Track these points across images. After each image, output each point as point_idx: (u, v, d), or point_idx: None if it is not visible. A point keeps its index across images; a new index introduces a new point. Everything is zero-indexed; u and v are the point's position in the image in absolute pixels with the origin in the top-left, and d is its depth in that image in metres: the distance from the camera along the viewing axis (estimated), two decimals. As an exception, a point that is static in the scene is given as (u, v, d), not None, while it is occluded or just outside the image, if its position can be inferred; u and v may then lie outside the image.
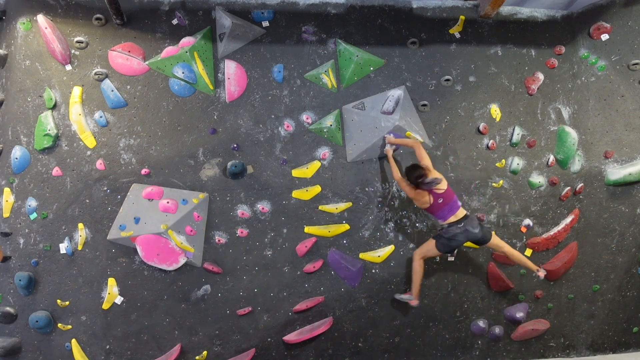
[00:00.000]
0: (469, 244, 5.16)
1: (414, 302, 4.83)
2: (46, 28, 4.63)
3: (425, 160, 4.56)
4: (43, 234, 4.70)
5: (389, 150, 4.89)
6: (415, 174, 4.45)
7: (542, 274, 4.62)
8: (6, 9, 4.76)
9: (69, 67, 4.75)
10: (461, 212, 4.50)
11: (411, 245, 5.14)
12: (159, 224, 4.67)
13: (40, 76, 4.72)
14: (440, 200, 4.45)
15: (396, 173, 4.70)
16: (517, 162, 5.24)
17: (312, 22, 5.04)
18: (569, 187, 5.30)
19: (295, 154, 5.02)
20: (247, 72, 4.96)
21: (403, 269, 5.14)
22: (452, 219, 4.48)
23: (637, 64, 5.24)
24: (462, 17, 5.22)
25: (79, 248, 4.73)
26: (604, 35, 5.30)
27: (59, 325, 4.75)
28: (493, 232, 4.72)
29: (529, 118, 5.31)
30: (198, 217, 4.81)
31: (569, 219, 5.31)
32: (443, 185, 4.45)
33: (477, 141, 5.24)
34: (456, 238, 4.48)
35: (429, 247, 4.67)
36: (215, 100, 4.92)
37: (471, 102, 5.24)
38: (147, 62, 4.83)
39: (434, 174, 4.51)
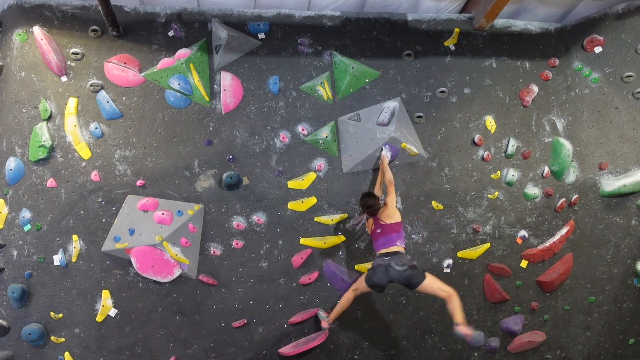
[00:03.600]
0: (465, 254, 5.19)
1: (325, 324, 4.79)
2: (42, 39, 4.63)
3: (390, 197, 4.59)
4: (37, 245, 4.67)
5: (384, 157, 4.87)
6: (362, 201, 4.60)
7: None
8: (2, 21, 4.75)
9: (64, 79, 4.75)
10: (395, 248, 4.37)
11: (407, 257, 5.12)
12: (154, 235, 4.65)
13: (36, 87, 4.71)
14: (379, 231, 4.47)
15: (378, 185, 4.85)
16: (512, 174, 5.26)
17: (308, 34, 5.07)
18: (564, 199, 5.32)
19: (290, 166, 5.02)
20: (243, 83, 4.97)
21: (399, 280, 5.13)
22: (384, 250, 4.41)
23: (630, 76, 5.28)
24: (456, 30, 5.26)
25: (73, 260, 4.70)
26: (597, 47, 5.34)
27: (52, 338, 4.70)
28: (431, 278, 4.32)
29: (523, 130, 5.33)
30: (193, 228, 4.79)
31: (564, 230, 5.32)
32: (386, 219, 4.45)
33: (472, 153, 5.26)
34: (377, 271, 4.30)
35: (361, 280, 4.53)
36: (211, 112, 4.93)
37: (466, 113, 5.26)
38: (143, 74, 4.83)
39: (389, 210, 4.50)
